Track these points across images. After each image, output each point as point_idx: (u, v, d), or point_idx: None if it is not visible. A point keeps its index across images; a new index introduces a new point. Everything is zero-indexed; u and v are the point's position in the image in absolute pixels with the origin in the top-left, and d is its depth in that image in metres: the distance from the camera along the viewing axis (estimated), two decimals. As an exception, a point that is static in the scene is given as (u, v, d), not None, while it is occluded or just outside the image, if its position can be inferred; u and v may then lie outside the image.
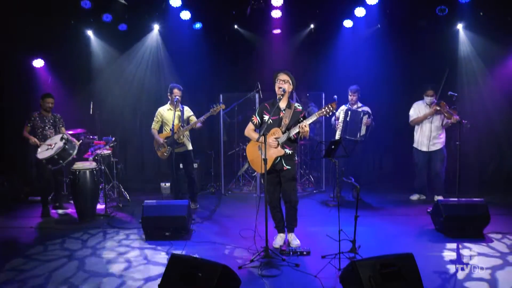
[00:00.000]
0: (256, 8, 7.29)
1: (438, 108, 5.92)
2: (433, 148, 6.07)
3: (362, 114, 6.18)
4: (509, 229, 4.88)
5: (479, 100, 7.17)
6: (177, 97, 5.71)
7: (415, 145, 6.28)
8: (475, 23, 7.11)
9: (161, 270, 3.72)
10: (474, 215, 4.68)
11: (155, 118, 5.94)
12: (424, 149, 6.14)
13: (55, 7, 6.85)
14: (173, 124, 5.48)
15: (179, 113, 5.79)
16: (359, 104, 6.42)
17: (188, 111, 5.94)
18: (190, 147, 5.99)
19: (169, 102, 5.85)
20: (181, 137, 5.74)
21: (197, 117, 5.86)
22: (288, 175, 4.32)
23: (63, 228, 5.28)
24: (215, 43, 8.14)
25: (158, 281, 3.20)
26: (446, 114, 5.89)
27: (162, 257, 4.23)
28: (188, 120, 5.89)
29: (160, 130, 6.00)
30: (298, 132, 4.18)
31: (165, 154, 5.81)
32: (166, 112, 5.87)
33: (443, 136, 6.11)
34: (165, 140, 5.77)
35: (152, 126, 5.94)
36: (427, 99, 6.06)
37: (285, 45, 8.19)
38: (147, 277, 3.77)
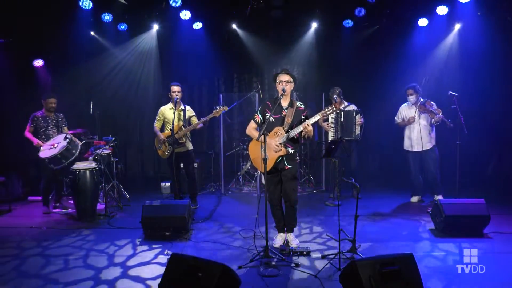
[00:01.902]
0: (256, 8, 7.29)
1: (420, 109, 6.01)
2: (424, 148, 6.09)
3: (354, 113, 6.18)
4: (509, 229, 4.88)
5: (479, 100, 7.17)
6: (177, 95, 5.71)
7: (406, 147, 6.30)
8: (474, 23, 7.12)
9: (161, 270, 3.72)
10: (474, 215, 4.68)
11: (157, 117, 5.95)
12: (416, 149, 6.16)
13: (55, 7, 6.85)
14: (173, 124, 5.49)
15: (181, 112, 5.80)
16: (346, 103, 6.40)
17: (190, 111, 5.94)
18: (190, 147, 6.00)
19: (171, 101, 5.85)
20: (182, 137, 5.75)
21: (198, 118, 5.87)
22: (289, 174, 4.32)
23: (63, 227, 5.28)
24: (215, 43, 8.14)
25: (158, 281, 3.20)
26: (430, 114, 5.99)
27: (162, 257, 4.23)
28: (189, 120, 5.89)
29: (162, 129, 6.01)
30: (301, 132, 4.16)
31: (166, 153, 5.82)
32: (168, 111, 5.87)
33: (433, 135, 6.14)
34: (167, 139, 5.77)
35: (154, 124, 5.95)
36: (410, 99, 6.15)
37: (285, 45, 8.19)
38: (147, 277, 3.76)
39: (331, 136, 6.33)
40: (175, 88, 5.74)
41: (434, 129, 6.14)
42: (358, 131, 6.20)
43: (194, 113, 5.98)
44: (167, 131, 5.88)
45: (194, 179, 6.11)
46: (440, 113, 5.91)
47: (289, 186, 4.33)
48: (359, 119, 6.17)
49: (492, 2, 6.87)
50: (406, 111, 6.25)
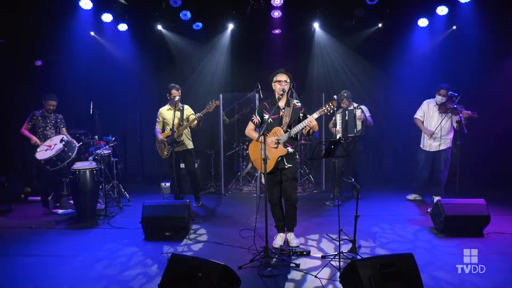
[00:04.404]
0: (256, 8, 7.29)
1: (441, 109, 5.90)
2: (440, 148, 6.02)
3: (354, 110, 6.23)
4: (509, 229, 4.88)
5: (479, 100, 7.17)
6: (176, 97, 5.74)
7: (421, 145, 6.23)
8: (474, 23, 7.12)
9: (161, 270, 3.72)
10: (474, 215, 4.68)
11: (157, 119, 5.97)
12: (429, 149, 6.11)
13: (55, 7, 6.85)
14: (173, 124, 5.52)
15: (179, 112, 5.82)
16: (355, 105, 6.42)
17: (188, 110, 5.95)
18: (190, 145, 6.02)
19: (169, 102, 5.88)
20: (180, 135, 5.76)
21: None
22: (289, 173, 4.32)
23: (63, 228, 5.28)
24: (215, 43, 8.15)
25: (158, 281, 3.20)
26: (453, 112, 5.80)
27: (162, 257, 4.23)
28: (188, 119, 5.90)
29: (163, 130, 6.03)
30: (303, 128, 4.11)
31: (165, 153, 5.84)
32: (166, 112, 5.91)
33: (450, 137, 6.02)
34: (166, 139, 5.79)
35: (156, 126, 5.98)
36: (438, 98, 5.97)
37: (285, 45, 8.20)
38: (147, 277, 3.76)
39: (338, 136, 6.36)
40: (175, 92, 5.78)
41: (452, 131, 6.02)
42: (359, 126, 6.21)
43: (192, 112, 5.99)
44: (168, 132, 5.91)
45: (196, 177, 6.16)
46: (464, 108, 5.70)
47: (289, 185, 4.33)
48: (359, 114, 6.17)
49: (492, 2, 6.87)
50: (430, 109, 6.04)
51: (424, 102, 6.18)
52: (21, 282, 3.69)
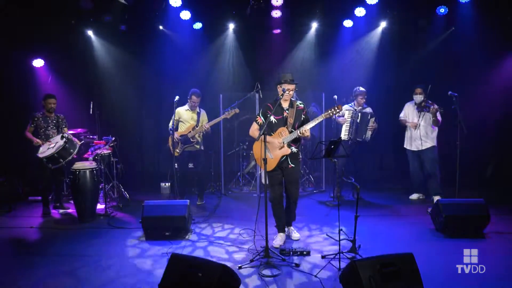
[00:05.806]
0: (256, 8, 7.29)
1: (419, 108, 6.10)
2: (422, 147, 6.14)
3: (369, 116, 6.23)
4: (509, 229, 4.88)
5: (478, 100, 7.17)
6: (195, 103, 6.09)
7: (405, 145, 6.41)
8: (474, 23, 7.12)
9: (161, 270, 3.72)
10: (474, 215, 4.69)
11: (173, 117, 6.13)
12: (413, 148, 6.26)
13: (55, 7, 6.85)
14: (172, 123, 5.77)
15: (195, 114, 6.16)
16: (363, 105, 6.42)
17: (204, 116, 6.27)
18: (201, 147, 6.28)
19: (188, 104, 6.16)
20: (196, 135, 6.08)
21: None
22: (293, 173, 4.44)
23: (63, 228, 5.28)
24: (215, 43, 8.15)
25: (158, 281, 3.20)
26: (428, 110, 6.02)
27: (162, 257, 4.23)
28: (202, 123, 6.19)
29: (177, 129, 6.25)
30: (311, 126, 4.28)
31: (177, 151, 6.11)
32: (184, 112, 6.18)
33: (434, 135, 6.15)
34: (180, 138, 6.07)
35: (169, 124, 6.18)
36: (416, 98, 6.14)
37: (285, 45, 8.19)
38: (147, 277, 3.76)
39: (344, 134, 6.33)
40: (195, 99, 6.10)
41: (436, 129, 6.14)
42: (369, 134, 6.27)
43: (207, 119, 6.27)
44: (181, 130, 6.19)
45: (201, 177, 6.37)
46: (435, 105, 5.92)
47: (293, 184, 4.47)
48: (372, 123, 6.22)
49: (492, 2, 6.87)
50: (410, 110, 6.26)
51: (406, 104, 6.38)
52: (16, 284, 3.69)
